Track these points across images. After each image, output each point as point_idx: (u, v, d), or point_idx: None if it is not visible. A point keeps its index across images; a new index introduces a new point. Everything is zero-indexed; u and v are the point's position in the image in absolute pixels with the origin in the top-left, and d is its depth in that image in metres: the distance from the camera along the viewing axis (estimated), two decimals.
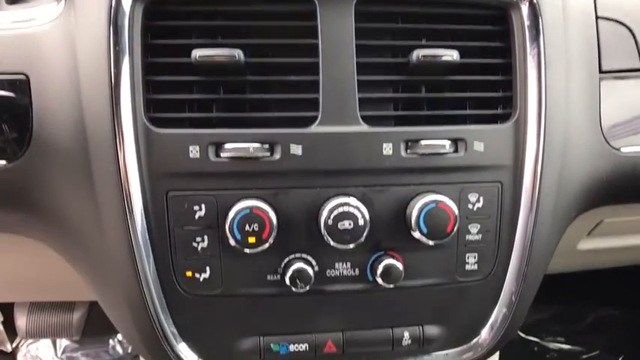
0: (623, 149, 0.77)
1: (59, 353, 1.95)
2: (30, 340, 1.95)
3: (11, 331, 1.55)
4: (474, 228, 0.68)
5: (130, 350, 1.95)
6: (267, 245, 0.62)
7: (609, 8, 0.77)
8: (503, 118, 0.68)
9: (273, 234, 0.61)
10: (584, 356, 2.04)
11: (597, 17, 0.76)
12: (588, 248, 1.18)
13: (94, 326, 1.56)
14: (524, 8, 0.67)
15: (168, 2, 0.64)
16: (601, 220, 1.05)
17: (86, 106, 0.62)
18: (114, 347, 1.95)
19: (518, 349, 2.04)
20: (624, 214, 1.05)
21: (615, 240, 1.21)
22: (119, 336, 1.97)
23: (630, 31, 0.77)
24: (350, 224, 0.62)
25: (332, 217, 0.62)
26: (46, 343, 1.95)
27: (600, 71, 0.76)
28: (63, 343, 1.96)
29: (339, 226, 0.62)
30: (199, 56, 0.61)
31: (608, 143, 0.76)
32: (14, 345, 1.94)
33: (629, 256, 1.39)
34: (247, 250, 0.62)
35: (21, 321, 1.44)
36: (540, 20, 0.67)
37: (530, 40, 0.67)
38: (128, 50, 0.61)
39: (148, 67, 0.63)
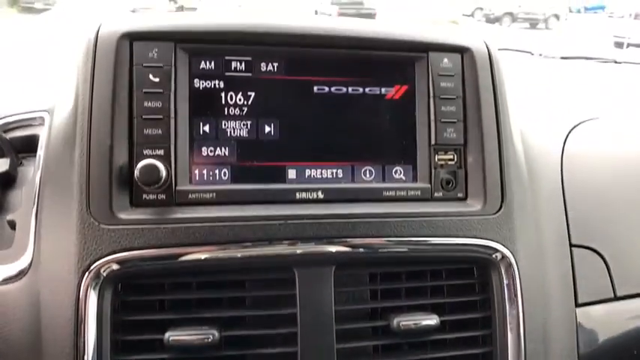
0: None
1: None
2: None
3: None
4: None
5: None
6: None
7: (582, 236, 0.76)
8: None
9: None
10: None
11: (571, 245, 0.75)
12: None
13: None
14: (503, 268, 0.66)
15: (141, 276, 0.60)
16: None
17: None
18: None
19: None
20: None
21: None
22: None
23: (603, 258, 0.76)
24: None
25: None
26: None
27: (576, 305, 0.74)
28: None
29: None
30: (172, 339, 0.57)
31: None
32: None
33: None
34: None
35: None
36: (519, 279, 0.66)
37: (509, 298, 0.65)
38: (95, 326, 0.56)
39: (116, 344, 0.58)
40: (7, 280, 0.59)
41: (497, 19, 20.48)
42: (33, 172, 0.67)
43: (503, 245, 0.65)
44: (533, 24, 19.99)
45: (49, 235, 0.60)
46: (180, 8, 19.86)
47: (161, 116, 0.60)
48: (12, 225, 0.64)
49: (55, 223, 0.60)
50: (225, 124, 0.62)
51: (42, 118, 0.71)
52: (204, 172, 0.62)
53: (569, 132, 0.85)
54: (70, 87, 0.64)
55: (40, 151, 0.66)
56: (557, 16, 18.34)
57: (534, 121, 0.84)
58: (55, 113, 0.68)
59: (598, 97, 1.15)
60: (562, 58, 1.59)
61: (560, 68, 1.52)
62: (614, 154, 0.87)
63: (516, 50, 1.64)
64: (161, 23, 0.62)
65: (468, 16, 24.53)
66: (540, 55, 1.64)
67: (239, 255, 0.60)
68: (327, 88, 0.65)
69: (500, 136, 0.67)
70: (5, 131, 0.73)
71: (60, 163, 0.61)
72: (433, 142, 0.66)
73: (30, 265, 0.60)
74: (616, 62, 1.59)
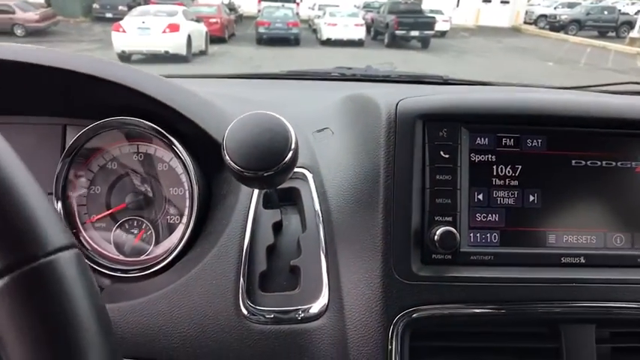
0: None
1: None
2: None
3: None
4: None
5: None
6: None
7: None
8: None
9: None
10: None
11: None
12: None
13: None
14: None
15: (430, 326, 0.69)
16: None
17: None
18: None
19: None
20: None
21: None
22: None
23: None
24: None
25: None
26: None
27: None
28: None
29: None
30: None
31: None
32: None
33: None
34: None
35: None
36: None
37: None
38: None
39: None
40: (306, 320, 0.70)
41: (562, 27, 19.77)
42: (299, 221, 0.79)
43: None
44: (603, 32, 19.19)
45: (349, 285, 0.70)
46: (239, 18, 20.48)
47: (450, 188, 0.70)
48: (293, 269, 0.75)
49: (353, 275, 0.70)
50: (495, 194, 0.71)
51: (303, 174, 0.83)
52: (478, 235, 0.71)
53: None
54: (364, 156, 0.75)
55: (317, 207, 0.77)
56: (630, 24, 17.46)
57: None
58: (325, 174, 0.80)
59: None
60: None
61: None
62: None
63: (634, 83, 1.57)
64: (449, 105, 0.72)
65: (530, 24, 23.85)
66: None
67: (516, 311, 0.69)
68: (583, 162, 0.72)
69: None
70: None
71: (357, 224, 0.72)
72: None
73: (326, 308, 0.70)
74: None
